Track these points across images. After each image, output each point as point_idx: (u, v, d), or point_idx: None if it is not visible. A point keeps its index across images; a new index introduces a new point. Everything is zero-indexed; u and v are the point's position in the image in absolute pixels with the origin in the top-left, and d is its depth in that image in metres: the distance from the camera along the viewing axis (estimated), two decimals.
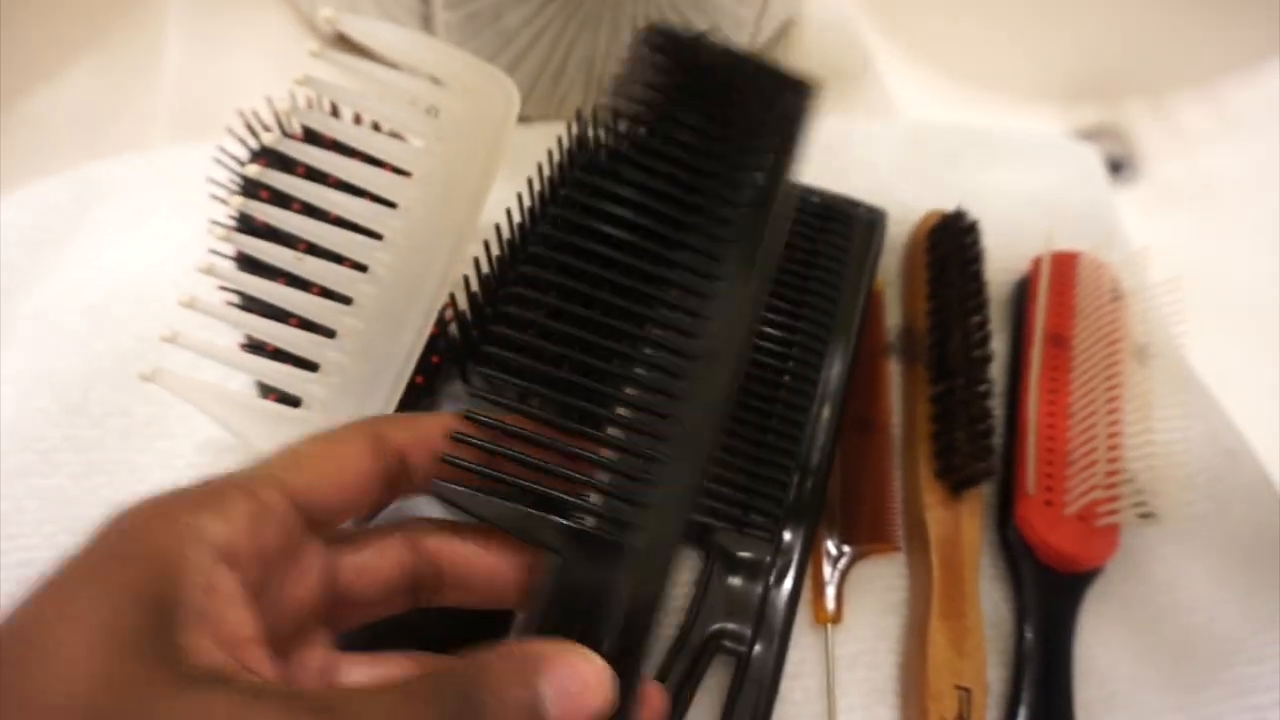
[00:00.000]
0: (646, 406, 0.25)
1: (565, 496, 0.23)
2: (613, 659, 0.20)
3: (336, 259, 0.29)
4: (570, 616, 0.22)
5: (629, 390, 0.25)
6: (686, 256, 0.27)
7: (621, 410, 0.25)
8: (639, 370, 0.26)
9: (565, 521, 0.23)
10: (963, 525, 0.35)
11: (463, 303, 0.29)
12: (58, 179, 0.40)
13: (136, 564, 0.17)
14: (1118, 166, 0.82)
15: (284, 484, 0.20)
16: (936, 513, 0.35)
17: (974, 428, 0.35)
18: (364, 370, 0.28)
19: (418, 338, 0.28)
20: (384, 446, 0.22)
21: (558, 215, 0.28)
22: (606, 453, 0.24)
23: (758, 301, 0.33)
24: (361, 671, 0.22)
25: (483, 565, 0.23)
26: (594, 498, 0.24)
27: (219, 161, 0.37)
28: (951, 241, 0.39)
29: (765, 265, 0.27)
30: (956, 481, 0.35)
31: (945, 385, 0.36)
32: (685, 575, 0.34)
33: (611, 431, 0.25)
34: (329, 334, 0.29)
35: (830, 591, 0.34)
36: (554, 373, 0.25)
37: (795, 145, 0.30)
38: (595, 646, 0.20)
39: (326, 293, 0.29)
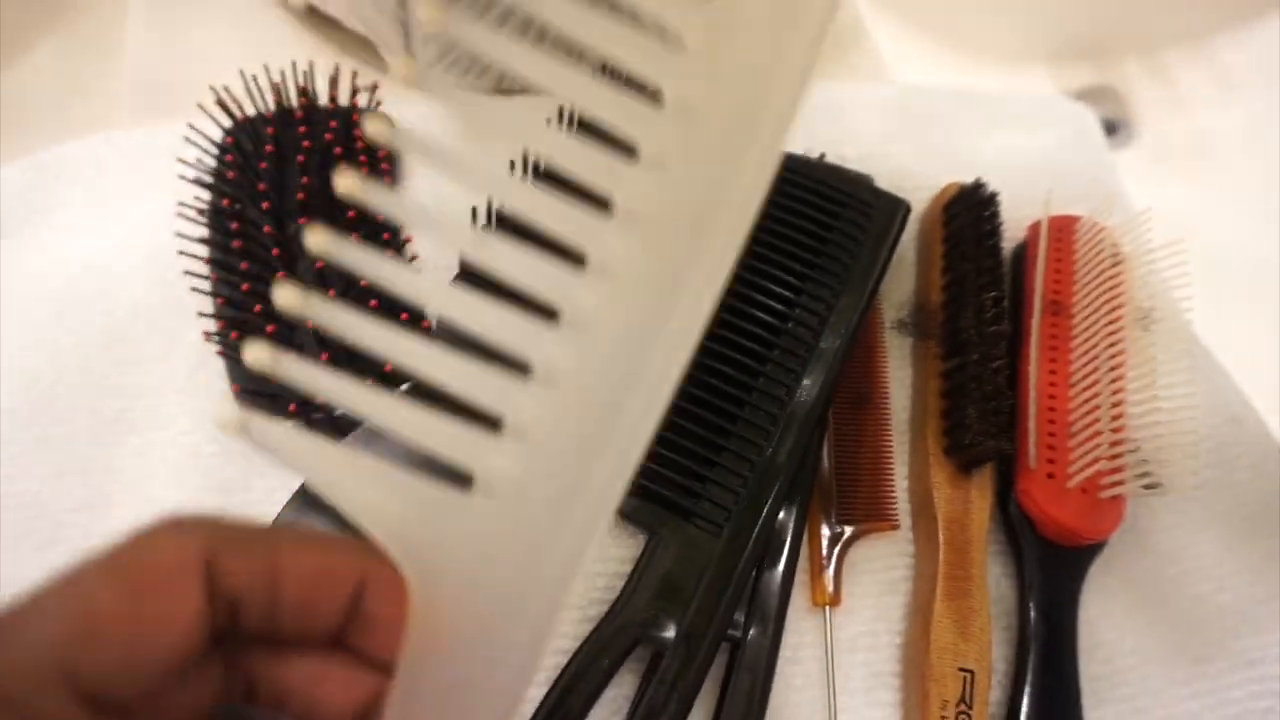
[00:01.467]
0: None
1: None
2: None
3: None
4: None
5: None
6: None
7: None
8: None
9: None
10: (972, 505, 0.34)
11: None
12: (14, 164, 0.39)
13: None
14: (1113, 128, 0.81)
15: (64, 671, 0.14)
16: (945, 491, 0.34)
17: (986, 405, 0.34)
18: (566, 446, 0.17)
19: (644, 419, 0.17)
20: (219, 586, 0.15)
21: None
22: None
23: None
24: None
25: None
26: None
27: (187, 139, 0.36)
28: (969, 214, 0.38)
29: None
30: (967, 459, 0.34)
31: (957, 361, 0.35)
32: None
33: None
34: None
35: (828, 573, 0.33)
36: None
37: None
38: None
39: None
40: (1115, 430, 0.33)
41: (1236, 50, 0.84)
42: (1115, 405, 0.34)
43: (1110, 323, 0.36)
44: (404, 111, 0.41)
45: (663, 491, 0.32)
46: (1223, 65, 0.83)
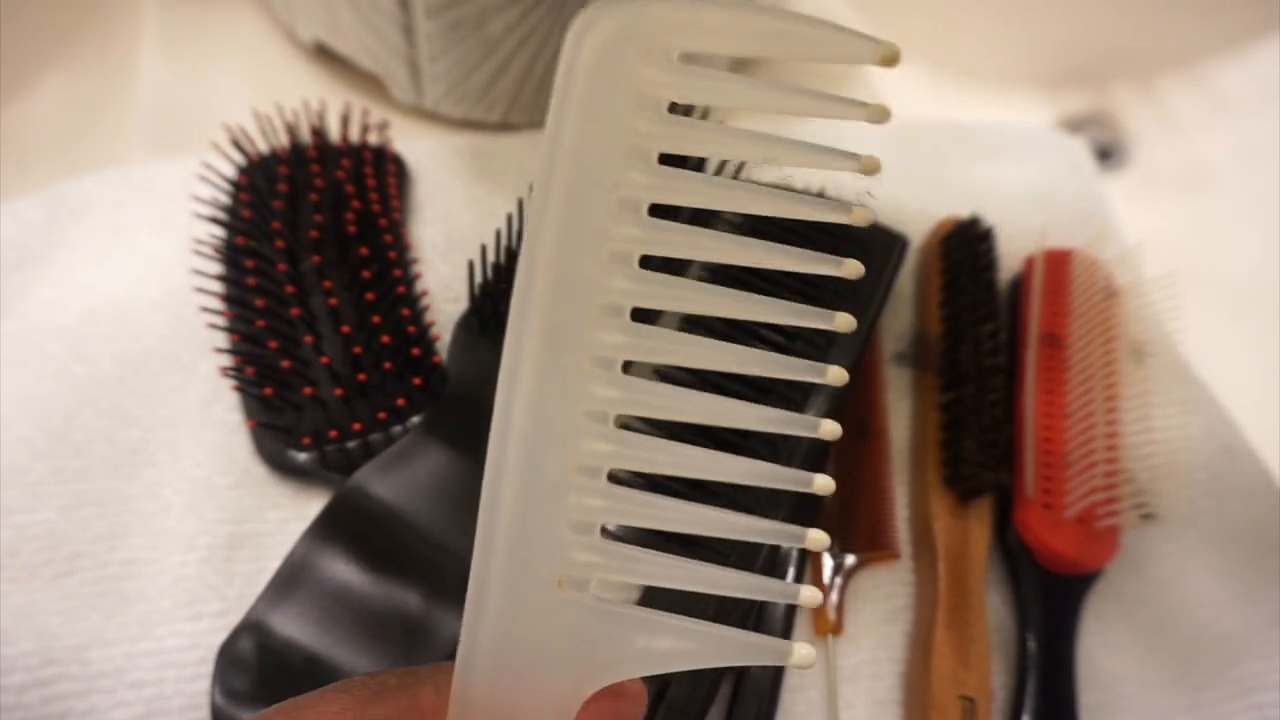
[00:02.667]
0: None
1: None
2: None
3: None
4: None
5: None
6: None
7: None
8: None
9: None
10: (971, 535, 0.34)
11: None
12: (31, 197, 0.39)
13: None
14: (1107, 153, 0.82)
15: None
16: (944, 521, 0.34)
17: (984, 436, 0.34)
18: None
19: None
20: None
21: None
22: None
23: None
24: None
25: None
26: None
27: (202, 177, 0.37)
28: (965, 248, 0.39)
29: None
30: (965, 490, 0.34)
31: (955, 393, 0.36)
32: None
33: None
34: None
35: (831, 601, 0.34)
36: None
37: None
38: None
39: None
40: (1110, 461, 0.34)
41: (1231, 74, 0.85)
42: (1110, 436, 0.35)
43: (1105, 355, 0.36)
44: (411, 147, 0.42)
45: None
46: (1217, 89, 0.85)
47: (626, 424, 0.17)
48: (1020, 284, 0.41)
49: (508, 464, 0.16)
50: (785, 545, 0.25)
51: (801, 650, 0.16)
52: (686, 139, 0.17)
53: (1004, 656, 0.34)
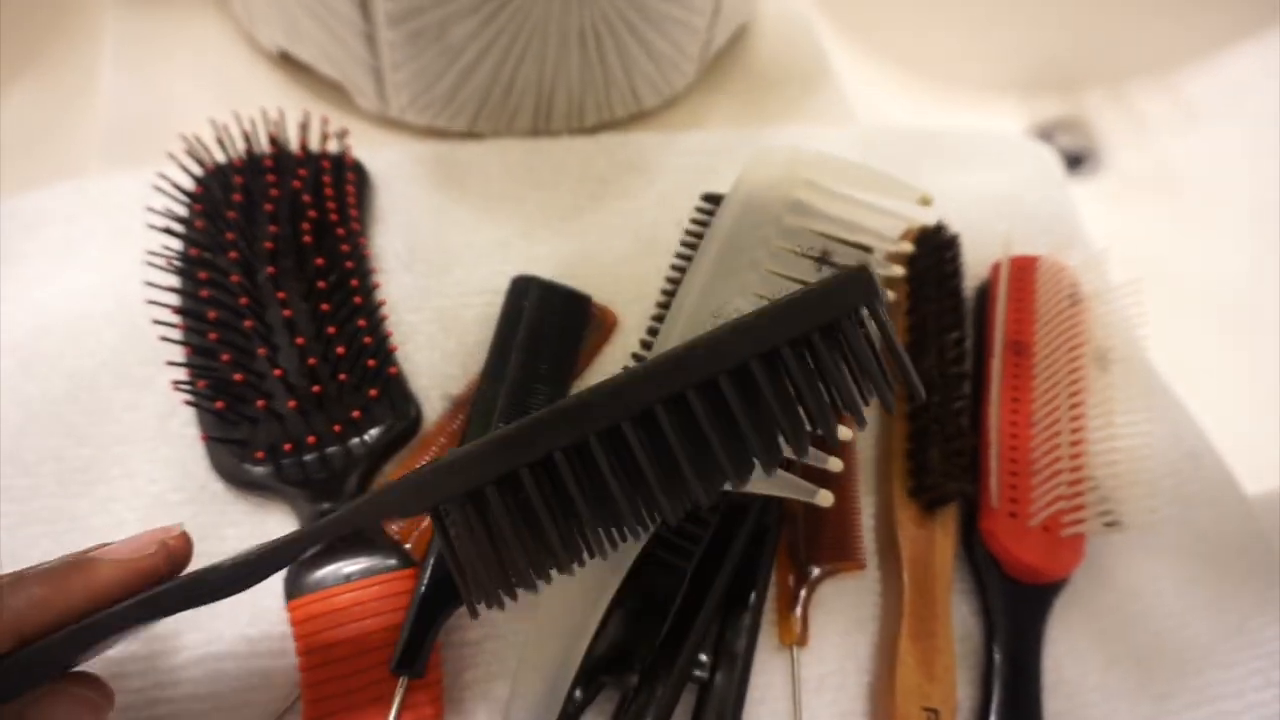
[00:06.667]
0: None
1: None
2: None
3: None
4: None
5: None
6: None
7: None
8: None
9: None
10: (935, 544, 0.34)
11: None
12: None
13: None
14: (1079, 159, 0.83)
15: None
16: (909, 531, 0.34)
17: (948, 445, 0.34)
18: None
19: None
20: None
21: None
22: None
23: None
24: None
25: None
26: None
27: (156, 188, 0.36)
28: (931, 256, 0.39)
29: None
30: (929, 500, 0.34)
31: (920, 403, 0.36)
32: None
33: None
34: None
35: (796, 612, 0.34)
36: None
37: None
38: None
39: None
40: (1075, 469, 0.34)
41: (1200, 81, 0.86)
42: (1075, 444, 0.35)
43: (1070, 362, 0.36)
44: (374, 156, 0.42)
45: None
46: (1187, 96, 0.85)
47: None
48: (986, 291, 0.41)
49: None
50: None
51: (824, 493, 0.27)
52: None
53: (969, 667, 0.34)
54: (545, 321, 0.35)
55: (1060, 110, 0.86)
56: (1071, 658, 0.34)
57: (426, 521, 0.32)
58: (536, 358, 0.34)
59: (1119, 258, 0.41)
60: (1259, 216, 0.72)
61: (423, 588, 0.30)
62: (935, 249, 0.39)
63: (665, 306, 0.35)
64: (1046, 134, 0.83)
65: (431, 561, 0.30)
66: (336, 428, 0.32)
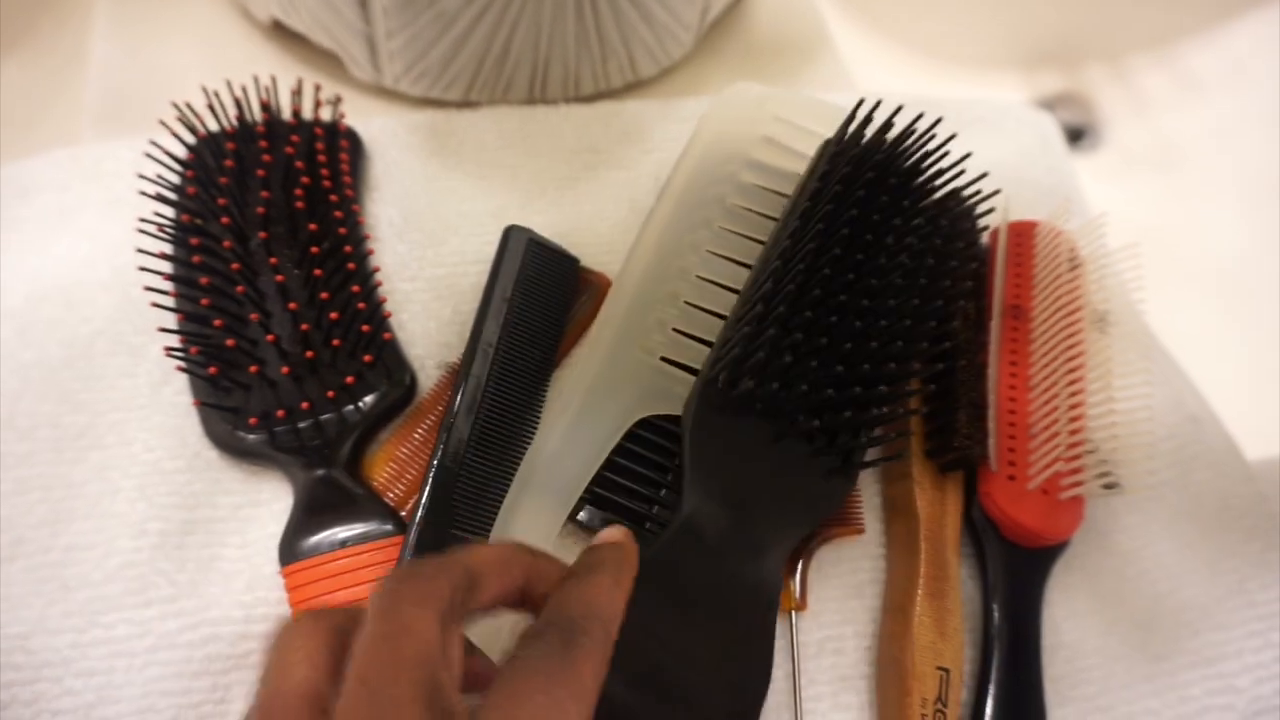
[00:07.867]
0: None
1: None
2: None
3: None
4: None
5: None
6: None
7: None
8: None
9: None
10: (948, 505, 0.34)
11: None
12: None
13: None
14: (1080, 133, 0.82)
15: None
16: (927, 493, 0.34)
17: (974, 409, 0.34)
18: None
19: None
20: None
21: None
22: None
23: None
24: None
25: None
26: None
27: (149, 155, 0.36)
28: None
29: None
30: (947, 462, 0.34)
31: (946, 365, 0.35)
32: None
33: None
34: None
35: (794, 578, 0.34)
36: None
37: None
38: None
39: None
40: (1074, 432, 0.34)
41: (1201, 54, 0.85)
42: (1074, 407, 0.34)
43: (1069, 326, 0.36)
44: (368, 125, 0.42)
45: (615, 499, 0.32)
46: (1188, 69, 0.85)
47: None
48: (985, 256, 0.40)
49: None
50: None
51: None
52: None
53: (969, 630, 0.34)
54: (531, 273, 0.36)
55: (1060, 85, 0.86)
56: (1070, 620, 0.34)
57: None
58: (525, 313, 0.35)
59: (1119, 230, 0.40)
60: (1258, 189, 0.72)
61: (409, 554, 0.30)
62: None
63: None
64: (1047, 108, 0.83)
65: (416, 525, 0.30)
66: (330, 394, 0.32)
